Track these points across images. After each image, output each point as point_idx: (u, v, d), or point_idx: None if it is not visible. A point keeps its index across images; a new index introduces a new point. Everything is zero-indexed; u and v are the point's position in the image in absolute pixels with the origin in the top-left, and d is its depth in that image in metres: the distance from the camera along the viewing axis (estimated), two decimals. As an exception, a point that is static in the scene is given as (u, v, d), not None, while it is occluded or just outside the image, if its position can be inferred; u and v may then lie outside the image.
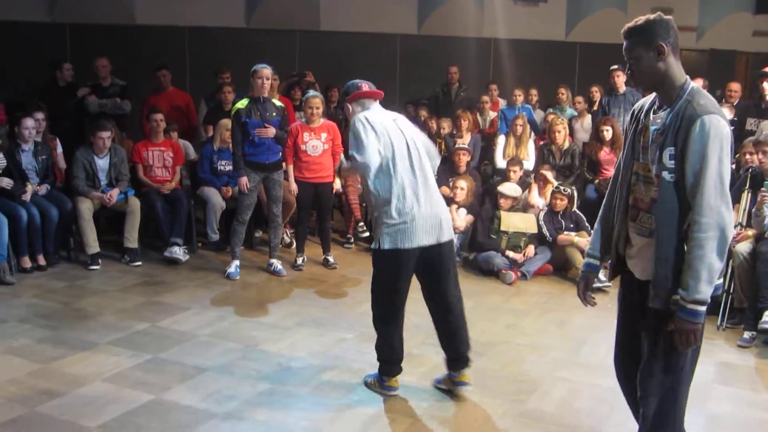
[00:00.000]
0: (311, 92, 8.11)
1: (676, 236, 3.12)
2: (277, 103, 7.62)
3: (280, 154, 7.61)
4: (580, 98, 10.90)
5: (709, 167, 3.01)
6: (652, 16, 3.21)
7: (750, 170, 6.81)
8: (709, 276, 3.05)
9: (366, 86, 4.85)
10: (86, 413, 4.52)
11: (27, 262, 7.46)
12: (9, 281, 7.05)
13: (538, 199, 8.36)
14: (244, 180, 7.37)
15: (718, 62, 14.99)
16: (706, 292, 3.07)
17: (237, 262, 7.64)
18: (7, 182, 7.43)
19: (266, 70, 7.29)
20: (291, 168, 7.84)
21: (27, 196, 7.48)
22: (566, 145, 9.25)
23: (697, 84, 3.24)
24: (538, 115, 11.19)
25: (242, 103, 7.35)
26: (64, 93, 9.10)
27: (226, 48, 12.16)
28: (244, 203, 7.52)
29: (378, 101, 4.88)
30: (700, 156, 3.02)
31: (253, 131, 7.27)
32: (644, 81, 3.27)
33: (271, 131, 7.31)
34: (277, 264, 7.75)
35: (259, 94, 7.31)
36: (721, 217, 3.02)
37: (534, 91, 10.46)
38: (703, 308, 3.10)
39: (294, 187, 7.83)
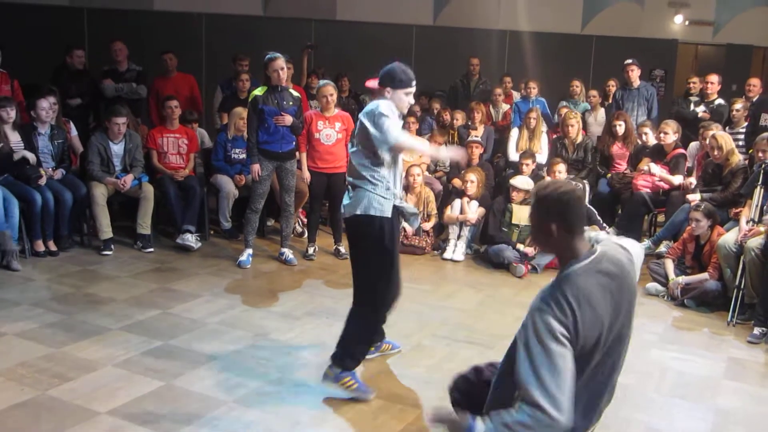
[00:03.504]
0: (323, 80, 8.11)
1: None
2: (294, 92, 7.61)
3: (294, 143, 7.61)
4: (594, 92, 10.86)
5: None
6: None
7: (763, 166, 6.78)
8: None
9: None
10: (97, 398, 4.56)
11: (40, 246, 7.50)
12: (15, 267, 7.08)
13: None
14: (256, 167, 7.38)
15: (735, 57, 14.85)
16: None
17: (249, 251, 7.66)
18: (31, 157, 7.48)
19: (279, 61, 7.26)
20: (304, 156, 7.85)
21: (42, 181, 7.53)
22: (579, 138, 9.22)
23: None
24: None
25: (260, 90, 7.35)
26: (75, 78, 9.10)
27: (243, 36, 12.18)
28: (257, 192, 7.54)
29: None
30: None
31: (270, 119, 7.28)
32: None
33: (288, 119, 7.30)
34: (288, 253, 7.77)
35: (276, 83, 7.31)
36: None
37: (533, 84, 10.42)
38: None
39: (307, 175, 7.84)
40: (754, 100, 9.54)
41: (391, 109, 4.64)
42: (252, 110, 7.33)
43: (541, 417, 2.62)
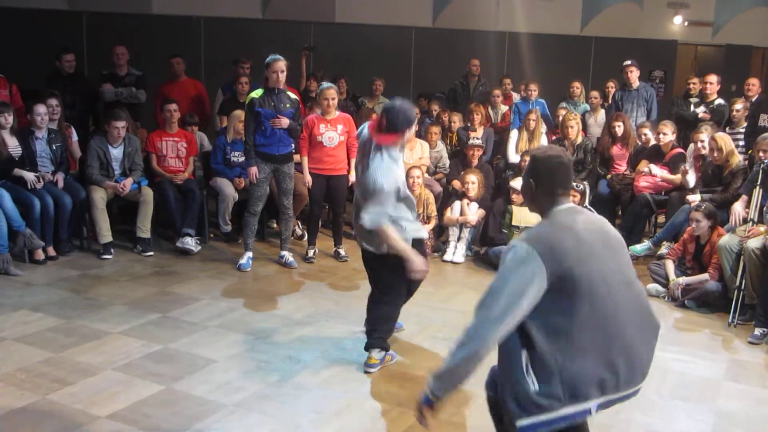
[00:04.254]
0: (325, 84, 8.10)
1: None
2: (292, 95, 7.60)
3: (292, 146, 7.61)
4: (595, 93, 10.85)
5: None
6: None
7: (762, 166, 6.78)
8: None
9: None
10: (97, 402, 4.55)
11: (40, 255, 7.48)
12: (14, 273, 7.08)
13: None
14: (253, 170, 7.37)
15: (734, 58, 14.87)
16: None
17: (250, 254, 7.66)
18: (31, 179, 7.49)
19: (280, 63, 7.26)
20: (305, 160, 7.84)
21: (39, 184, 7.52)
22: (579, 140, 9.22)
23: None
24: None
25: (257, 93, 7.35)
26: (70, 82, 9.08)
27: (241, 38, 12.19)
28: (255, 194, 7.53)
29: None
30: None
31: (266, 121, 7.27)
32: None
33: (285, 122, 7.29)
34: (288, 256, 7.77)
35: (275, 85, 7.31)
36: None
37: (533, 86, 10.42)
38: None
39: (308, 178, 7.82)
40: (753, 100, 9.54)
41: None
42: (249, 113, 7.33)
43: (470, 327, 2.97)
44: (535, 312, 2.95)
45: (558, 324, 2.94)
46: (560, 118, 9.63)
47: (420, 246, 5.16)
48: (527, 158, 8.30)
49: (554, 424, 2.95)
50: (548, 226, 3.12)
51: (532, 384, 2.93)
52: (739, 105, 9.16)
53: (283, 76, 7.32)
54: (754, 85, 9.82)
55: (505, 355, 3.06)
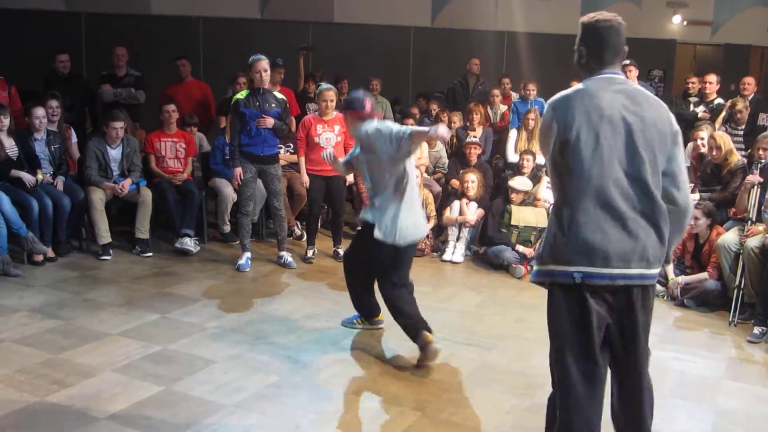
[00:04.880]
0: (324, 85, 8.11)
1: None
2: (279, 95, 7.59)
3: (278, 148, 7.61)
4: None
5: None
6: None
7: (759, 165, 6.78)
8: None
9: (369, 106, 5.38)
10: (96, 403, 4.55)
11: (38, 256, 7.46)
12: (14, 274, 7.07)
13: (545, 193, 8.32)
14: (238, 171, 7.37)
15: (733, 57, 14.89)
16: None
17: (248, 254, 7.65)
18: (28, 179, 7.48)
19: (263, 62, 7.26)
20: (303, 160, 7.84)
21: (35, 181, 7.52)
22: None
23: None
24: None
25: (242, 94, 7.38)
26: (67, 83, 9.07)
27: (240, 38, 12.18)
28: (244, 194, 7.52)
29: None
30: None
31: (251, 122, 7.27)
32: None
33: (270, 121, 7.28)
34: (287, 256, 7.76)
35: (259, 85, 7.31)
36: None
37: (532, 86, 10.41)
38: None
39: (306, 179, 7.83)
40: (750, 98, 9.54)
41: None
42: (234, 114, 7.36)
43: None
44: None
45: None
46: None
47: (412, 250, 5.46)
48: (527, 157, 8.39)
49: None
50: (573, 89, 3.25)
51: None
52: (741, 104, 9.16)
53: (267, 76, 7.30)
54: (750, 84, 9.83)
55: None
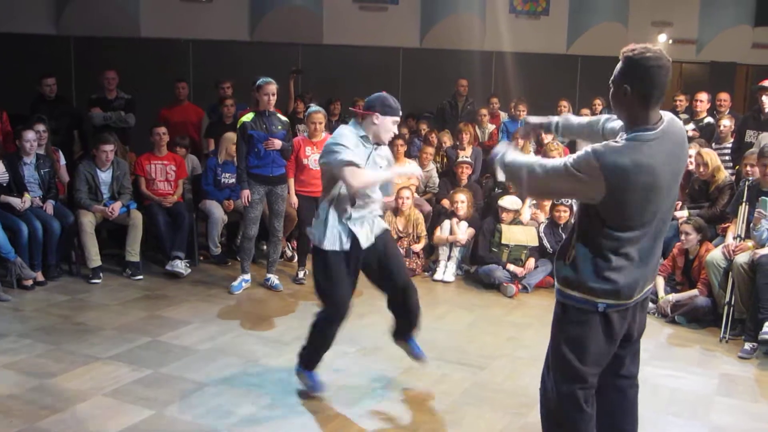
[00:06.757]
0: (313, 107, 8.13)
1: None
2: (282, 117, 7.64)
3: (284, 168, 7.62)
4: (587, 111, 10.92)
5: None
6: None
7: (747, 183, 6.82)
8: None
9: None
10: (86, 428, 4.52)
11: (28, 281, 7.42)
12: (3, 298, 7.04)
13: (527, 213, 8.32)
14: (246, 193, 7.37)
15: (719, 75, 15.01)
16: None
17: (245, 276, 7.63)
18: (18, 204, 7.46)
19: (272, 86, 7.29)
20: (292, 181, 7.85)
21: (24, 205, 7.50)
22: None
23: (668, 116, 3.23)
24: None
25: (248, 117, 7.37)
26: (53, 106, 9.05)
27: (229, 61, 12.21)
28: (249, 217, 7.51)
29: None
30: None
31: (259, 144, 7.29)
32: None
33: (278, 143, 7.31)
34: (274, 279, 7.74)
35: (265, 108, 7.33)
36: None
37: (522, 107, 10.49)
38: None
39: (294, 200, 7.83)
40: (725, 113, 9.66)
41: (354, 140, 4.78)
42: (241, 137, 7.34)
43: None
44: None
45: None
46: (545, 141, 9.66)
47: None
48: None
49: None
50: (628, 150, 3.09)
51: None
52: (725, 121, 9.22)
53: (273, 99, 7.35)
54: (725, 100, 9.96)
55: None
